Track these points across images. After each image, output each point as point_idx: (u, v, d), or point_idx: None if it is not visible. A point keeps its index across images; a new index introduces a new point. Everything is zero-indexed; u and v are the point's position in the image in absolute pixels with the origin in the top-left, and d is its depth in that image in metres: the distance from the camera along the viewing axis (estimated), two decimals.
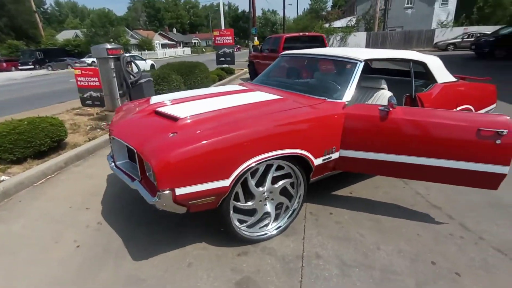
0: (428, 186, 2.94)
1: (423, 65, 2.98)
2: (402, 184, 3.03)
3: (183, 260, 2.06)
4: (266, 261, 2.03)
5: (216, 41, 13.09)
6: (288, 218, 2.31)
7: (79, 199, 2.90)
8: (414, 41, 25.19)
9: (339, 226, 2.39)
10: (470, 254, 2.05)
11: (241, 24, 69.91)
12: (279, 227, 2.27)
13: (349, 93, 2.39)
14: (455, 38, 22.35)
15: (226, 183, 1.81)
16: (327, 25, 26.44)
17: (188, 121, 1.99)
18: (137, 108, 2.52)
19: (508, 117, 1.99)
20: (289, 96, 2.52)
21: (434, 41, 24.10)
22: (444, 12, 28.31)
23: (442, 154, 2.09)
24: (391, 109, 2.18)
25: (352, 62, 2.56)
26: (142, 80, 5.68)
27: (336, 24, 27.41)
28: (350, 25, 26.68)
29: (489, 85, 3.56)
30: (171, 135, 1.86)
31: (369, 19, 26.23)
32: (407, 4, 29.82)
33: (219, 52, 13.06)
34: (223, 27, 14.21)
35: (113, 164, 2.21)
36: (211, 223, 2.41)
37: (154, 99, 2.61)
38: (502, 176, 2.03)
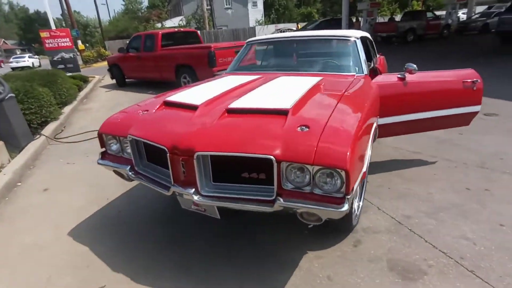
0: (394, 139, 3.57)
1: (370, 41, 3.55)
2: (378, 144, 3.54)
3: (317, 277, 1.71)
4: (382, 239, 1.99)
5: (47, 45, 10.40)
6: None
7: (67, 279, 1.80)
8: (241, 38, 28.26)
9: (387, 188, 2.59)
10: (474, 175, 2.72)
11: (37, 26, 56.74)
12: (359, 205, 2.24)
13: (365, 66, 2.58)
14: (272, 33, 26.81)
15: (364, 168, 1.64)
16: (159, 24, 25.71)
17: (299, 112, 1.63)
18: (174, 113, 1.79)
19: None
20: (323, 77, 2.44)
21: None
22: (257, 12, 33.25)
23: (444, 104, 2.63)
24: (407, 74, 2.52)
25: (351, 40, 2.74)
26: (5, 98, 3.90)
27: (168, 23, 27.07)
28: (182, 24, 26.94)
29: (383, 58, 4.62)
30: (300, 129, 1.48)
31: (199, 18, 27.31)
32: (226, 5, 33.01)
33: (56, 58, 10.51)
34: (53, 27, 11.24)
35: (198, 195, 1.48)
36: (280, 232, 2.09)
37: (183, 97, 1.91)
38: (476, 113, 2.76)
